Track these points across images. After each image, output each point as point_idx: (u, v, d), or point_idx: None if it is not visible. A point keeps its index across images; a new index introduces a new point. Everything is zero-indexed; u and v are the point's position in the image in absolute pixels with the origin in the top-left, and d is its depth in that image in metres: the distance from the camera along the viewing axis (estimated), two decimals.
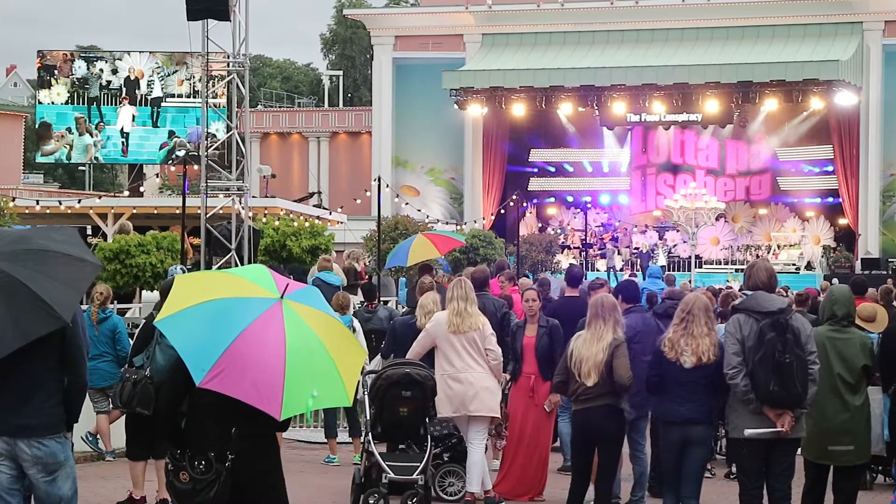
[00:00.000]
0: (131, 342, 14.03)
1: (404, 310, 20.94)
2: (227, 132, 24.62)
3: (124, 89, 52.08)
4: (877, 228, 56.48)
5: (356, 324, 16.97)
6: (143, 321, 14.18)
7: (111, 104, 52.44)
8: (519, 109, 58.49)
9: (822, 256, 55.80)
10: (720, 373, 10.34)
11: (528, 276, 32.05)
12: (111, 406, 15.27)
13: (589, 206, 60.36)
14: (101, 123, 52.02)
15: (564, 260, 53.92)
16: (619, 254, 56.98)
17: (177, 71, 51.32)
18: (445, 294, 14.43)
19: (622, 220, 62.41)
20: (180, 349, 7.64)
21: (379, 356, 16.61)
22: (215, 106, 26.42)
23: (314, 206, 45.75)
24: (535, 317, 14.37)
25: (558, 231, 60.50)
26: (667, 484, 10.88)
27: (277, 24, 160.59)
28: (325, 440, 17.88)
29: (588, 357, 11.01)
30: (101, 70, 52.69)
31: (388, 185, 42.03)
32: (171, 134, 51.54)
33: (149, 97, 52.00)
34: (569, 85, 56.80)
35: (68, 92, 52.27)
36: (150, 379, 12.63)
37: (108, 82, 52.39)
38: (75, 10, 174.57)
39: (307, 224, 32.73)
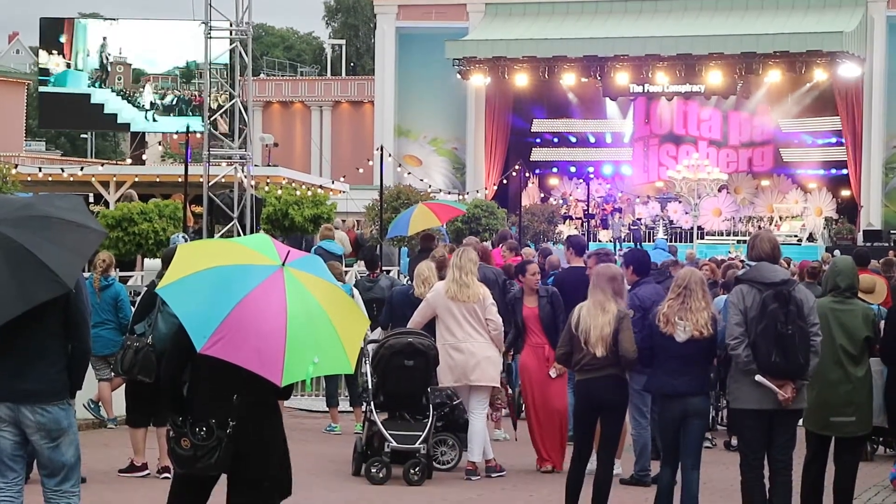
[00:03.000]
0: (133, 310, 14.04)
1: (406, 279, 20.96)
2: (230, 100, 24.57)
3: None
4: (879, 200, 56.42)
5: (355, 292, 16.91)
6: (145, 289, 14.20)
7: None
8: (522, 79, 58.37)
9: (824, 228, 55.79)
10: (713, 346, 10.38)
11: (529, 246, 32.05)
12: (113, 374, 15.29)
13: (591, 176, 60.37)
14: None
15: (566, 230, 53.90)
16: (623, 225, 56.96)
17: None
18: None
19: (624, 190, 62.36)
20: (182, 316, 7.66)
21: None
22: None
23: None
24: (535, 287, 14.37)
25: (560, 201, 60.47)
26: (664, 456, 10.91)
27: None
28: (327, 409, 17.90)
29: (595, 327, 11.00)
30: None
31: (390, 155, 42.00)
32: None
33: None
34: (572, 55, 56.67)
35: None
36: (152, 346, 12.65)
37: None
38: None
39: (309, 193, 32.71)
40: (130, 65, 55.92)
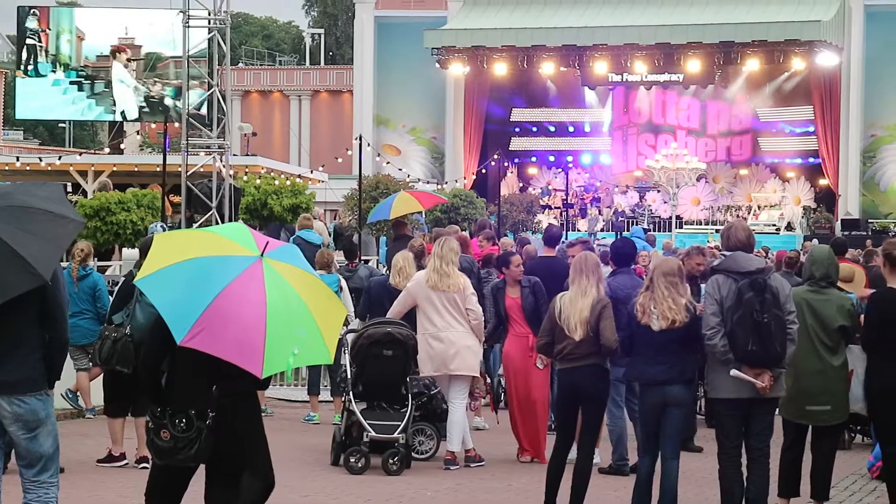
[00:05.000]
0: (111, 300, 14.01)
1: (385, 269, 20.95)
2: (209, 90, 24.54)
3: None
4: (857, 189, 56.57)
5: (343, 282, 16.90)
6: (123, 279, 14.17)
7: None
8: (501, 69, 58.33)
9: (803, 217, 55.89)
10: (689, 334, 10.38)
11: (508, 236, 32.07)
12: (91, 363, 15.27)
13: (570, 165, 60.35)
14: None
15: (545, 220, 53.90)
16: (600, 214, 56.97)
17: None
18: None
19: (603, 180, 62.39)
20: (161, 308, 7.65)
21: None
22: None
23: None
24: (518, 279, 14.39)
25: (539, 191, 60.47)
26: (643, 446, 10.93)
27: None
28: (307, 398, 17.90)
29: (573, 312, 11.04)
30: None
31: (369, 144, 41.95)
32: None
33: None
34: (551, 44, 56.65)
35: None
36: (130, 337, 12.62)
37: None
38: None
39: (288, 182, 32.69)
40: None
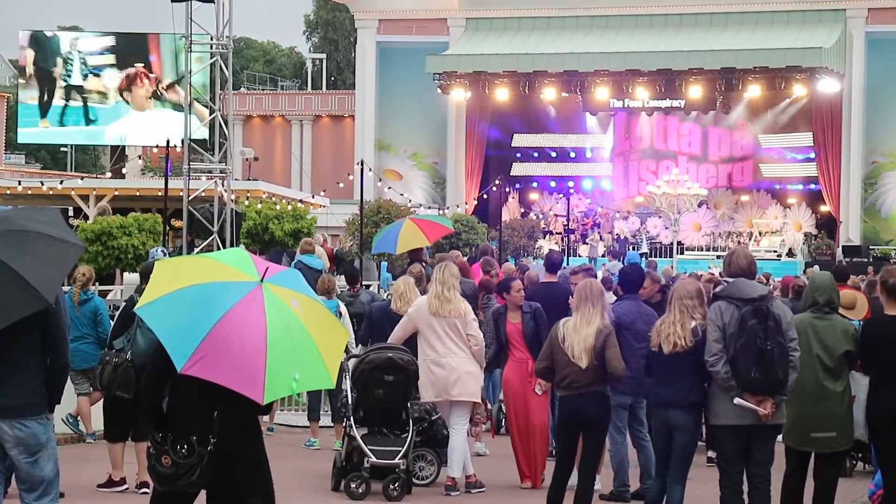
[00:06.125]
0: (112, 324, 14.00)
1: (387, 294, 20.95)
2: (211, 114, 24.56)
3: None
4: (858, 216, 56.60)
5: (342, 308, 16.91)
6: (124, 304, 14.16)
7: None
8: (502, 94, 58.41)
9: (804, 243, 55.89)
10: (695, 358, 10.37)
11: (509, 262, 32.07)
12: (92, 388, 15.25)
13: (572, 191, 60.36)
14: None
15: (546, 245, 53.93)
16: (601, 239, 56.96)
17: None
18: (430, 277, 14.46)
19: (605, 205, 62.42)
20: (161, 335, 7.63)
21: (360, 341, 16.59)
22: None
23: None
24: (519, 304, 14.39)
25: (541, 216, 60.49)
26: (656, 468, 10.93)
27: (261, 7, 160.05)
28: (307, 423, 17.86)
29: (578, 340, 11.04)
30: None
31: (370, 169, 41.99)
32: None
33: None
34: (552, 70, 56.75)
35: None
36: (131, 362, 12.61)
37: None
38: None
39: (290, 207, 32.70)
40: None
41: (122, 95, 56.76)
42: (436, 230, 25.47)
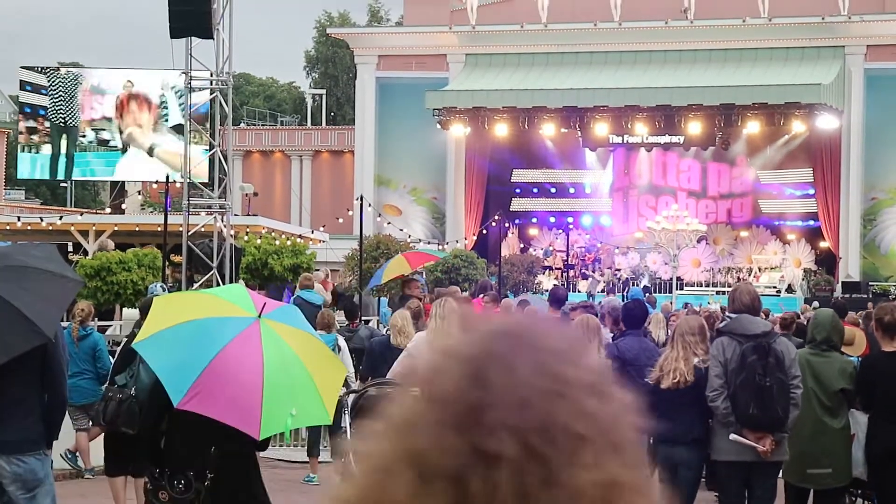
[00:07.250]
0: (112, 360, 13.98)
1: (386, 329, 20.93)
2: (210, 150, 24.59)
3: None
4: (858, 252, 56.60)
5: (341, 342, 16.88)
6: (125, 339, 14.14)
7: None
8: (501, 130, 58.48)
9: (803, 279, 55.86)
10: (696, 394, 10.36)
11: (509, 297, 32.04)
12: (91, 423, 15.21)
13: (571, 226, 60.38)
14: None
15: (546, 281, 53.90)
16: (601, 275, 56.94)
17: None
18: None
19: (604, 241, 62.42)
20: (158, 371, 7.64)
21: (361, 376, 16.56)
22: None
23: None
24: None
25: (540, 252, 60.50)
26: None
27: (261, 43, 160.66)
28: (306, 459, 17.82)
29: None
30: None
31: (370, 205, 42.03)
32: None
33: None
34: (551, 106, 56.83)
35: None
36: (135, 398, 12.59)
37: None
38: (55, 26, 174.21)
39: (289, 242, 32.71)
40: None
41: (120, 131, 56.82)
42: (420, 258, 25.61)
